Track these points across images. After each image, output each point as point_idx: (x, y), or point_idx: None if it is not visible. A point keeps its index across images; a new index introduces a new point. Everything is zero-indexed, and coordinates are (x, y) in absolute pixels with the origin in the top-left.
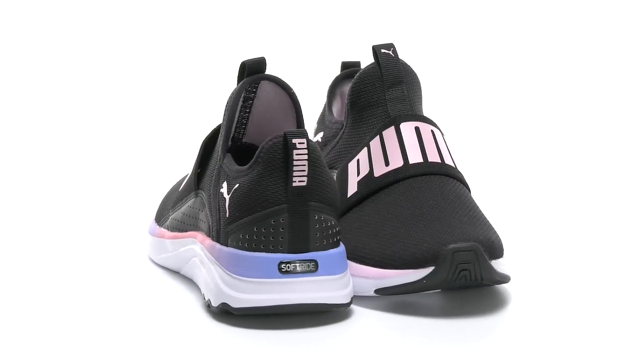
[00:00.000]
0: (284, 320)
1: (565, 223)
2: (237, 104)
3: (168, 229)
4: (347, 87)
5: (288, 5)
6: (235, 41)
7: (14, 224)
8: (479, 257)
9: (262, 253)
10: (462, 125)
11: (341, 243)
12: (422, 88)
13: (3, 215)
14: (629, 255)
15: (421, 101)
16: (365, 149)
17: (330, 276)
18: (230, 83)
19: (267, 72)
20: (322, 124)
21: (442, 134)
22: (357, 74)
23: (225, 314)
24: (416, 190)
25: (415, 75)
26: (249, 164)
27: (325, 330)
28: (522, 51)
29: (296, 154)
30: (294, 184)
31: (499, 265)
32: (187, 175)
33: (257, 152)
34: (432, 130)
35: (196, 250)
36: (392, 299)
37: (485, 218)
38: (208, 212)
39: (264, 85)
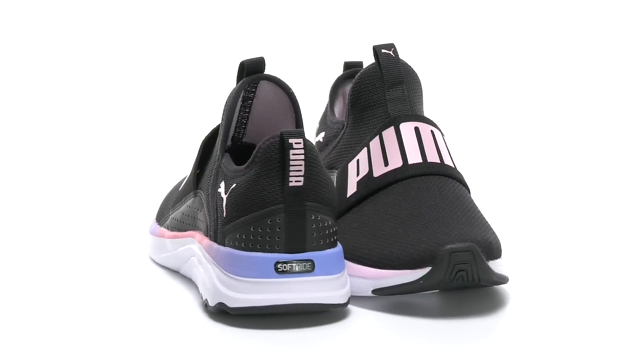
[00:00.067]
0: (281, 320)
1: (565, 224)
2: (236, 104)
3: (168, 229)
4: (349, 87)
5: (291, 5)
6: (237, 41)
7: (17, 223)
8: (476, 257)
9: (259, 253)
10: (463, 125)
11: (338, 243)
12: (422, 88)
13: (7, 215)
14: (628, 256)
15: (422, 101)
16: (365, 149)
17: (327, 276)
18: (232, 83)
19: (270, 72)
20: (324, 124)
21: (443, 135)
22: (358, 74)
23: (222, 313)
24: (415, 191)
25: (416, 75)
26: (246, 163)
27: (322, 330)
28: (523, 52)
29: (293, 154)
30: (291, 184)
31: (496, 266)
32: (188, 175)
33: (254, 151)
34: (431, 131)
35: (194, 250)
36: (390, 299)
37: (484, 219)
38: (206, 212)
39: (263, 85)
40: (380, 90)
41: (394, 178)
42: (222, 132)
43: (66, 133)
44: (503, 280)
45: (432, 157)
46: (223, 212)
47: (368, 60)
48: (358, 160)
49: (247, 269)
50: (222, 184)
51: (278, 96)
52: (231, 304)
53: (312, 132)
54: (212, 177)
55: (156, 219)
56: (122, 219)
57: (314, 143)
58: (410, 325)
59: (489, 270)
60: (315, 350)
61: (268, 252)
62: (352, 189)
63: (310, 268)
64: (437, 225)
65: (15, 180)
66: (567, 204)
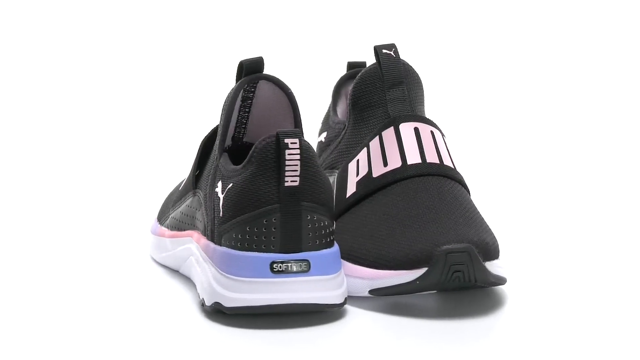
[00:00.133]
0: (278, 320)
1: (565, 225)
2: (234, 104)
3: (168, 228)
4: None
5: (295, 5)
6: (240, 42)
7: (21, 222)
8: (472, 258)
9: (254, 253)
10: (464, 126)
11: (335, 243)
12: (424, 88)
13: (11, 214)
14: (626, 257)
15: (423, 102)
16: (365, 149)
17: (323, 276)
18: (233, 83)
19: (274, 72)
20: (326, 124)
21: (443, 135)
22: (359, 75)
23: (219, 313)
24: (413, 191)
25: (417, 75)
26: (243, 163)
27: (318, 330)
28: (524, 52)
29: (288, 154)
30: (286, 184)
31: (494, 267)
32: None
33: (250, 151)
34: (431, 131)
35: (192, 249)
36: (387, 300)
37: (483, 220)
38: (204, 212)
39: (262, 85)
40: (380, 91)
41: (392, 178)
42: (220, 132)
43: (69, 134)
44: (500, 281)
45: (432, 158)
46: (220, 212)
47: (371, 60)
48: (358, 161)
49: (242, 268)
50: (220, 184)
51: (277, 96)
52: (227, 303)
53: (312, 132)
54: (210, 177)
55: (157, 218)
56: (125, 218)
57: (316, 143)
58: (407, 325)
59: (485, 271)
60: (311, 350)
61: (264, 251)
62: (351, 189)
63: (305, 268)
64: (434, 226)
65: (19, 180)
66: (566, 206)
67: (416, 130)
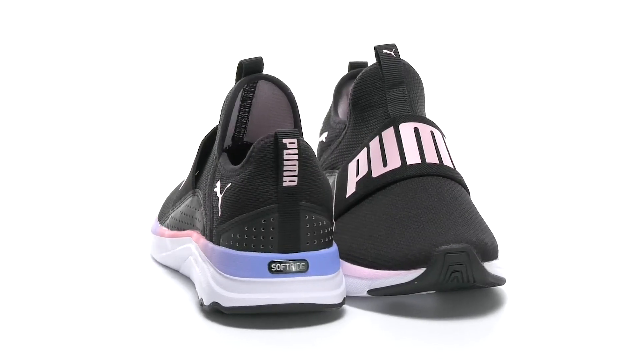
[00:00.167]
0: (276, 320)
1: (564, 226)
2: (233, 104)
3: (168, 228)
4: None
5: (297, 5)
6: (243, 42)
7: (24, 222)
8: (470, 258)
9: (253, 252)
10: (465, 126)
11: (334, 243)
12: (424, 89)
13: (14, 214)
14: (625, 258)
15: (423, 102)
16: (365, 149)
17: (321, 276)
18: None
19: (275, 72)
20: (327, 124)
21: (443, 135)
22: (359, 75)
23: (217, 313)
24: (412, 191)
25: (418, 76)
26: (241, 163)
27: (317, 330)
28: (525, 53)
29: (286, 154)
30: (284, 184)
31: (492, 267)
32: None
33: (249, 151)
34: (431, 131)
35: (192, 249)
36: (386, 300)
37: (482, 220)
38: (203, 211)
39: (262, 85)
40: (380, 91)
41: (392, 178)
42: (219, 132)
43: (71, 134)
44: (499, 281)
45: (431, 158)
46: (218, 212)
47: (373, 60)
48: (358, 161)
49: (241, 268)
50: (218, 184)
51: (276, 96)
52: (225, 303)
53: (313, 132)
54: (209, 177)
55: (158, 218)
56: (127, 218)
57: (317, 143)
58: (405, 326)
59: (484, 271)
60: (309, 350)
61: (262, 251)
62: (351, 189)
63: (304, 268)
64: (432, 226)
65: (23, 181)
66: (566, 206)
67: (416, 130)
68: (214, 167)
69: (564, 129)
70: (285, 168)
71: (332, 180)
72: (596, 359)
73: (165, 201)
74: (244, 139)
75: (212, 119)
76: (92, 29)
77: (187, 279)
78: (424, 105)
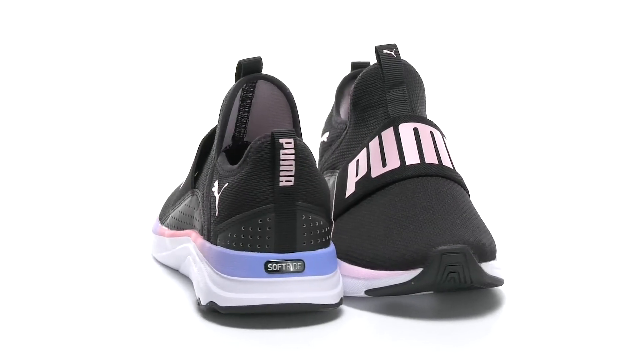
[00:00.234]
0: (273, 319)
1: (564, 227)
2: (232, 104)
3: (168, 227)
4: None
5: (300, 5)
6: (244, 43)
7: (27, 222)
8: (467, 259)
9: (249, 252)
10: (466, 127)
11: (331, 243)
12: (425, 89)
13: (17, 213)
14: (624, 259)
15: (424, 102)
16: (365, 149)
17: (318, 276)
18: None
19: (279, 72)
20: (329, 124)
21: (443, 136)
22: (360, 75)
23: (214, 313)
24: (411, 192)
25: (418, 76)
26: (239, 163)
27: (314, 330)
28: (526, 53)
29: (283, 154)
30: (281, 184)
31: (490, 268)
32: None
33: (246, 151)
34: (431, 132)
35: (190, 248)
36: (383, 300)
37: (481, 220)
38: (201, 211)
39: (261, 85)
40: (381, 91)
41: (391, 179)
42: (218, 132)
43: (72, 135)
44: (497, 282)
45: (430, 158)
46: (215, 211)
47: (375, 60)
48: (358, 161)
49: (237, 268)
50: (216, 183)
51: (275, 96)
52: (222, 303)
53: (314, 132)
54: (207, 176)
55: (159, 217)
56: (130, 218)
57: (319, 143)
58: (403, 326)
59: (481, 272)
60: (306, 350)
61: (258, 251)
62: (350, 189)
63: (300, 268)
64: (430, 227)
65: (27, 181)
66: (566, 208)
67: (415, 130)
68: (212, 166)
69: (564, 130)
70: (281, 168)
71: (333, 180)
72: (593, 358)
73: (166, 201)
74: (244, 139)
75: (213, 119)
76: (91, 29)
77: (186, 279)
78: (424, 106)
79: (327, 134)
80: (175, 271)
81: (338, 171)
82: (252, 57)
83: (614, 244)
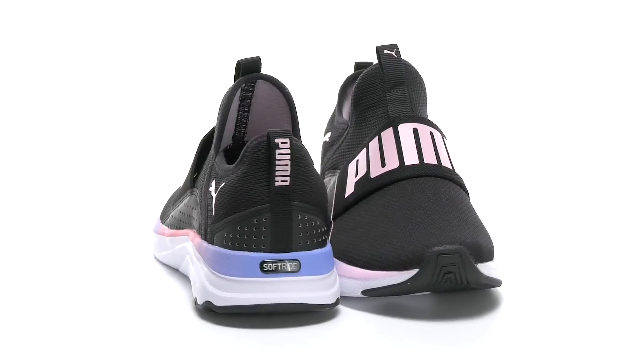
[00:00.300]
0: (270, 319)
1: (563, 228)
2: (230, 104)
3: (168, 227)
4: None
5: (304, 5)
6: (247, 43)
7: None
8: (463, 260)
9: (245, 252)
10: (467, 127)
11: (328, 243)
12: (427, 89)
13: (20, 213)
14: (622, 259)
15: (425, 103)
16: (365, 149)
17: (314, 276)
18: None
19: (283, 72)
20: (331, 124)
21: (443, 136)
22: (361, 75)
23: (211, 312)
24: (409, 192)
25: (419, 76)
26: (235, 162)
27: (310, 330)
28: (527, 54)
29: (279, 154)
30: (277, 184)
31: (487, 269)
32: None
33: (242, 151)
34: (430, 132)
35: (188, 248)
36: (380, 300)
37: (479, 221)
38: (199, 210)
39: (260, 85)
40: (381, 91)
41: (389, 179)
42: (216, 131)
43: (73, 136)
44: (494, 283)
45: (430, 159)
46: (212, 211)
47: None
48: (357, 161)
49: (233, 268)
50: (213, 183)
51: (274, 95)
52: (217, 302)
53: (316, 132)
54: (206, 176)
55: (160, 217)
56: (134, 217)
57: (321, 143)
58: (399, 326)
59: (478, 272)
60: (302, 350)
61: (254, 251)
62: (350, 189)
63: (296, 268)
64: (427, 227)
65: (29, 182)
66: (565, 209)
67: (415, 131)
68: (211, 166)
69: (564, 132)
70: (277, 168)
71: (334, 180)
72: (591, 358)
73: (168, 200)
74: (245, 139)
75: (214, 119)
76: (90, 29)
77: (185, 278)
78: (425, 106)
79: (329, 134)
80: (175, 270)
81: (339, 171)
82: (251, 57)
83: (612, 246)
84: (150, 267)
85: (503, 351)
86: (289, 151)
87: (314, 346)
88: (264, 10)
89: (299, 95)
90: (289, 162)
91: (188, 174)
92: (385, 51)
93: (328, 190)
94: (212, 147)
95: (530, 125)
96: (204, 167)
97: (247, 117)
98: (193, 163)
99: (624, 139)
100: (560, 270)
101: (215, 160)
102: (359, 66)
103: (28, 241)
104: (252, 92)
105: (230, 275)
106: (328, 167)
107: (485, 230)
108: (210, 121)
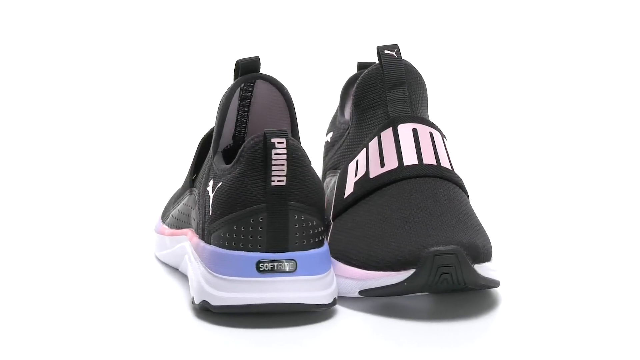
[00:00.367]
0: (267, 319)
1: (563, 230)
2: (229, 103)
3: (168, 226)
4: None
5: (308, 5)
6: (249, 43)
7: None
8: (460, 260)
9: (241, 252)
10: (468, 128)
11: (325, 243)
12: (428, 90)
13: (22, 213)
14: (621, 261)
15: (425, 103)
16: (364, 150)
17: (310, 276)
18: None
19: (285, 72)
20: (333, 124)
21: (443, 137)
22: (362, 75)
23: (208, 312)
24: (407, 192)
25: (420, 76)
26: (232, 162)
27: (306, 330)
28: (528, 56)
29: (275, 154)
30: (273, 184)
31: (484, 269)
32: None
33: (239, 150)
34: (430, 132)
35: (186, 247)
36: (378, 301)
37: (477, 222)
38: (197, 210)
39: (260, 85)
40: (381, 91)
41: (388, 179)
42: (215, 131)
43: (77, 135)
44: (492, 284)
45: (429, 159)
46: (210, 210)
47: None
48: (357, 161)
49: (229, 267)
50: (211, 182)
51: (274, 95)
52: (214, 302)
53: (317, 132)
54: (204, 176)
55: (161, 216)
56: (136, 217)
57: (323, 143)
58: (397, 327)
59: (474, 273)
60: (298, 350)
61: (250, 251)
62: (349, 189)
63: (292, 268)
64: (424, 228)
65: (31, 181)
66: (565, 210)
67: (414, 131)
68: (209, 166)
69: (564, 133)
70: (273, 168)
71: (334, 180)
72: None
73: (169, 200)
74: (245, 139)
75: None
76: (90, 29)
77: (184, 277)
78: (426, 107)
79: (331, 134)
80: (175, 270)
81: (339, 171)
82: (250, 57)
83: (610, 247)
84: (151, 266)
85: (500, 352)
86: (285, 151)
87: (310, 346)
88: (266, 10)
89: (301, 95)
90: (285, 162)
91: (187, 174)
92: (386, 51)
93: (328, 190)
94: (211, 147)
95: (531, 126)
96: (203, 166)
97: (247, 117)
98: (192, 163)
99: (623, 140)
100: (560, 271)
101: (213, 159)
102: (362, 66)
103: (31, 238)
104: (252, 92)
105: (226, 275)
106: (329, 167)
107: (484, 231)
108: (211, 121)
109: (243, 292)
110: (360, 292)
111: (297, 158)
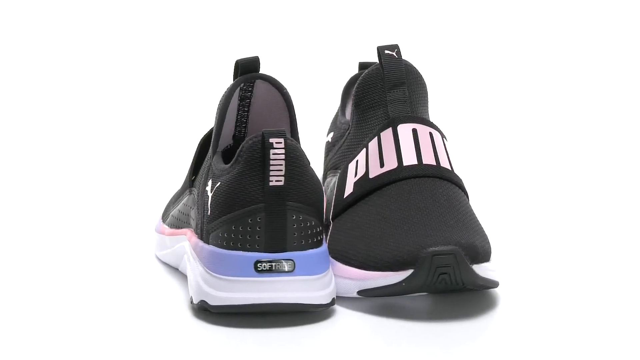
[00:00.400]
0: (265, 319)
1: (562, 230)
2: (228, 103)
3: (168, 226)
4: None
5: (310, 5)
6: (250, 43)
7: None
8: (458, 261)
9: (239, 252)
10: (469, 128)
11: (324, 243)
12: (428, 90)
13: (23, 213)
14: (620, 262)
15: (425, 103)
16: (364, 150)
17: (308, 276)
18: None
19: (285, 72)
20: (334, 124)
21: (443, 137)
22: (362, 75)
23: (206, 312)
24: (407, 193)
25: (420, 77)
26: (231, 162)
27: (304, 330)
28: (529, 56)
29: (273, 154)
30: (271, 184)
31: (483, 270)
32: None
33: (238, 150)
34: (430, 133)
35: (185, 247)
36: (376, 301)
37: (477, 222)
38: (196, 210)
39: (259, 85)
40: (381, 91)
41: (388, 179)
42: (214, 131)
43: (77, 136)
44: (491, 284)
45: (428, 159)
46: (208, 210)
47: None
48: (357, 161)
49: (227, 267)
50: (210, 182)
51: (273, 95)
52: (212, 302)
53: (317, 132)
54: (203, 175)
55: (161, 216)
56: (137, 217)
57: (324, 144)
58: (395, 327)
59: (473, 273)
60: (296, 350)
61: (248, 250)
62: (349, 189)
63: (290, 268)
64: (423, 228)
65: (32, 180)
66: (565, 211)
67: (414, 131)
68: (208, 166)
69: (564, 133)
70: (271, 167)
71: (335, 180)
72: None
73: (169, 200)
74: (245, 139)
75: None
76: (90, 29)
77: (184, 277)
78: (426, 107)
79: (331, 134)
80: (174, 269)
81: (339, 171)
82: (250, 57)
83: (610, 248)
84: (151, 266)
85: (499, 352)
86: (283, 151)
87: (309, 346)
88: (266, 10)
89: (301, 95)
90: (283, 162)
91: (187, 174)
92: (386, 51)
93: (328, 190)
94: (210, 147)
95: (531, 126)
96: (203, 166)
97: (247, 117)
98: (192, 163)
99: (622, 141)
100: (559, 271)
101: (212, 159)
102: (363, 66)
103: (31, 238)
104: (251, 92)
105: (224, 275)
106: (330, 167)
107: (483, 231)
108: (211, 121)
109: (241, 292)
110: (359, 292)
111: (295, 158)
